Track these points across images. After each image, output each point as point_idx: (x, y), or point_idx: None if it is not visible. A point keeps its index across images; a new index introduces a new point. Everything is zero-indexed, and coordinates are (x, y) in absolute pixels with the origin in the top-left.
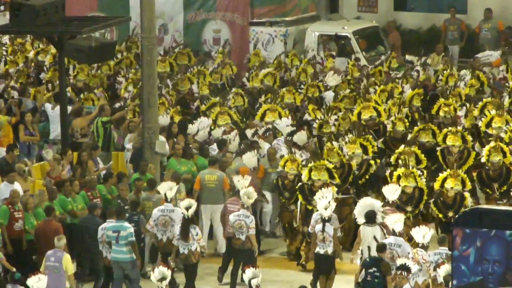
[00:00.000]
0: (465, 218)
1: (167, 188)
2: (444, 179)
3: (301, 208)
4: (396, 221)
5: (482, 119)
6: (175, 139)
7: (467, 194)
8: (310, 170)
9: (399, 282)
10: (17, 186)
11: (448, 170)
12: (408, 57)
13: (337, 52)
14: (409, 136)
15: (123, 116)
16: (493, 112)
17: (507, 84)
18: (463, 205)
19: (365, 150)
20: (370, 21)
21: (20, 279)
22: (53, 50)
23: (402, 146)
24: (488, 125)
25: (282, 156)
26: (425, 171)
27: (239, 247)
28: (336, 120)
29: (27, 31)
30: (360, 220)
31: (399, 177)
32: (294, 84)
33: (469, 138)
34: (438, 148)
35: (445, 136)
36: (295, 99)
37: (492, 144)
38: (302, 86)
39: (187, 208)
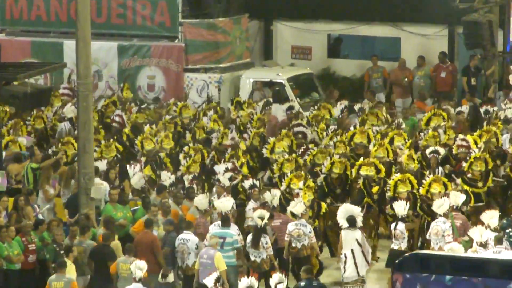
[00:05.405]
0: (405, 263)
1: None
2: (430, 184)
3: None
4: (491, 216)
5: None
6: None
7: None
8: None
9: None
10: None
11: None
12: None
13: (272, 98)
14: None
15: (57, 162)
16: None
17: None
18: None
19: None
20: (304, 68)
21: None
22: None
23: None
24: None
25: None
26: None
27: (295, 255)
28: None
29: None
30: (343, 224)
31: (396, 184)
32: None
33: None
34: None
35: None
36: None
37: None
38: None
39: (261, 218)
